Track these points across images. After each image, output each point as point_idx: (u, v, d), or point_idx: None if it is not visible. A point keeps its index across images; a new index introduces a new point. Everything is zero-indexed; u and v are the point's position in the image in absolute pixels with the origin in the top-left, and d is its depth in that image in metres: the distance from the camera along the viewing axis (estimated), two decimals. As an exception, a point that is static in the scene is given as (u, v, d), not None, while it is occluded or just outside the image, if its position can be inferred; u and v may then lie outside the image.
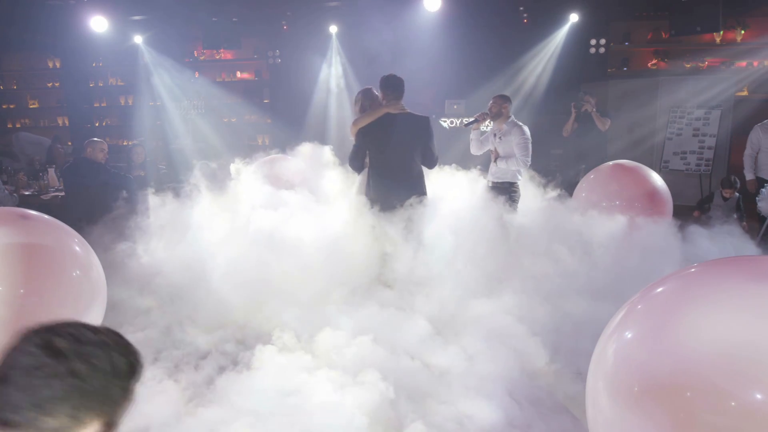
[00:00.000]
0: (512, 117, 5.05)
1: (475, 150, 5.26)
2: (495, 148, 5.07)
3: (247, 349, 3.56)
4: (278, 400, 2.89)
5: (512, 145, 4.94)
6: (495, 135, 5.09)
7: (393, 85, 4.33)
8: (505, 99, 5.08)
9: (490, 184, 5.11)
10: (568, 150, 6.83)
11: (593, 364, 1.89)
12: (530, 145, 4.95)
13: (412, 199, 4.26)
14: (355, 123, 4.40)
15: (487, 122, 5.32)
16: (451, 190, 5.18)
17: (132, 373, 1.10)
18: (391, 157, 4.30)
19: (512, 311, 3.76)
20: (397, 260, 4.17)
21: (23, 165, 7.75)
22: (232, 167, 5.30)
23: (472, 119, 5.09)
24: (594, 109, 6.51)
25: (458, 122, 8.42)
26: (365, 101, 4.44)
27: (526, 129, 4.99)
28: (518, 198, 5.10)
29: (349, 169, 4.59)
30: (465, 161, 5.71)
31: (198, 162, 6.05)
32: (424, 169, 4.53)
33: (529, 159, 4.95)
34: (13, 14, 7.62)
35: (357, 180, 4.53)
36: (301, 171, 5.41)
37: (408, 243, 4.18)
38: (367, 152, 4.39)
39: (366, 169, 4.46)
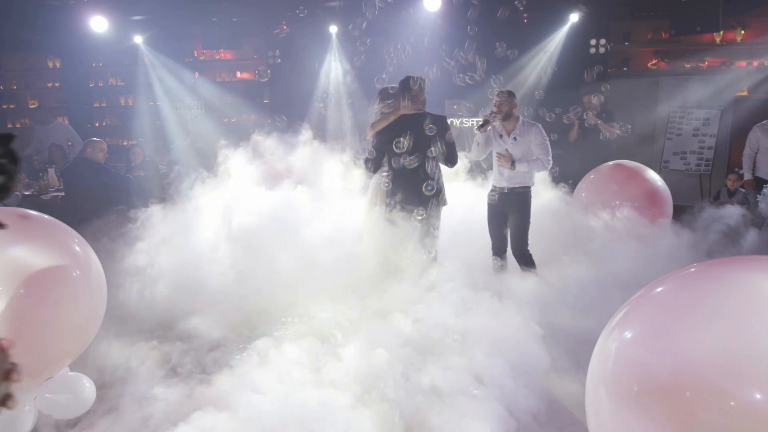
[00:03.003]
0: (520, 115, 4.64)
1: (478, 154, 4.77)
2: (507, 151, 4.55)
3: (250, 351, 3.57)
4: (279, 405, 2.89)
5: (530, 146, 4.51)
6: (502, 136, 4.61)
7: (408, 86, 4.32)
8: (513, 96, 4.62)
9: (506, 190, 4.60)
10: (569, 151, 6.74)
11: (593, 364, 1.88)
12: (548, 144, 4.57)
13: (432, 203, 4.28)
14: (372, 126, 4.41)
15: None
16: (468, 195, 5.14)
17: None
18: (409, 159, 4.26)
19: (514, 311, 3.76)
20: (408, 266, 4.17)
21: (23, 165, 7.73)
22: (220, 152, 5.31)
23: (482, 122, 4.58)
24: (598, 121, 6.23)
25: (458, 122, 8.40)
26: (384, 100, 4.44)
27: (542, 128, 4.62)
28: (530, 203, 4.68)
29: (365, 169, 4.59)
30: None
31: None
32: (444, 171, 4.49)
33: (551, 159, 4.57)
34: (13, 14, 7.61)
35: (370, 189, 4.52)
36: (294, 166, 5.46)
37: (422, 247, 4.18)
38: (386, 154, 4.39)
39: (376, 178, 4.46)
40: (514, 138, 4.55)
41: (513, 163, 4.50)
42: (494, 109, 4.56)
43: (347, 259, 4.22)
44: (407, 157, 4.21)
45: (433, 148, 4.23)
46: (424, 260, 4.20)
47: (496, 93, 4.64)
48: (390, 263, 4.20)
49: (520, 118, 4.61)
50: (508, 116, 4.56)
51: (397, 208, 4.28)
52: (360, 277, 4.17)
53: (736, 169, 6.32)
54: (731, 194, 6.30)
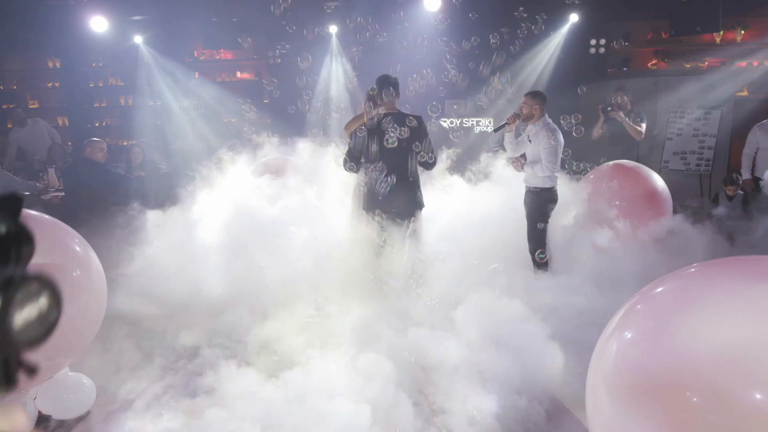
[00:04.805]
0: (545, 117, 4.59)
1: (509, 153, 4.83)
2: (519, 157, 4.71)
3: (243, 352, 3.57)
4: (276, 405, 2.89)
5: (539, 149, 4.50)
6: (528, 137, 4.65)
7: (385, 86, 4.25)
8: (536, 97, 4.60)
9: (525, 189, 4.72)
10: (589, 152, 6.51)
11: (593, 364, 1.88)
12: (559, 151, 4.50)
13: (406, 208, 4.22)
14: (346, 126, 4.37)
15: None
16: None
17: None
18: (384, 159, 4.22)
19: (514, 312, 3.76)
20: (395, 263, 4.16)
21: (23, 164, 7.71)
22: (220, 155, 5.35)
23: (502, 123, 4.65)
24: (625, 118, 6.03)
25: (458, 122, 8.40)
26: (368, 101, 4.42)
27: (558, 133, 4.52)
28: (547, 205, 4.60)
29: (344, 169, 4.56)
30: (463, 162, 5.69)
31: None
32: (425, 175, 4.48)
33: (555, 167, 4.50)
34: (13, 14, 7.62)
35: (353, 187, 4.48)
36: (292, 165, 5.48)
37: (403, 249, 4.16)
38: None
39: (360, 177, 4.41)
40: (529, 140, 4.63)
41: (522, 166, 4.66)
42: (516, 111, 4.63)
43: (333, 263, 4.22)
44: (381, 158, 4.19)
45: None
46: (411, 262, 4.17)
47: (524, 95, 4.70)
48: (375, 266, 4.19)
49: (541, 120, 4.55)
50: (528, 118, 4.59)
51: (375, 211, 4.22)
52: (348, 280, 4.16)
53: (735, 175, 6.27)
54: (730, 199, 6.28)
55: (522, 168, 4.68)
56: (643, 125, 6.11)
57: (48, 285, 0.56)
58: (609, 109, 6.11)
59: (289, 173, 5.25)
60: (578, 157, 5.10)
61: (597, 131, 6.37)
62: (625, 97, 6.28)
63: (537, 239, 4.63)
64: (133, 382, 3.31)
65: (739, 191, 6.28)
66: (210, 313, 4.08)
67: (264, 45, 9.42)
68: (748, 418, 1.41)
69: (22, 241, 0.57)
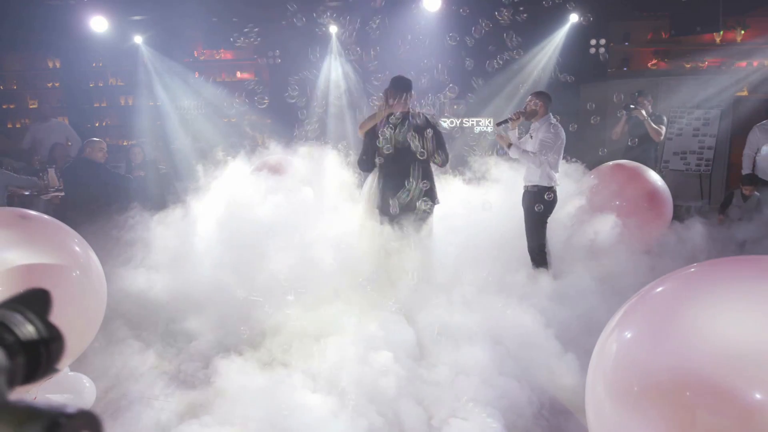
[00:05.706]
0: (549, 116, 4.58)
1: (512, 154, 4.79)
2: (505, 136, 4.70)
3: (241, 354, 3.57)
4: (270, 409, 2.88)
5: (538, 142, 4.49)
6: (530, 134, 4.66)
7: (397, 86, 4.31)
8: (541, 96, 4.63)
9: (523, 188, 4.69)
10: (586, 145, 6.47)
11: (593, 364, 1.88)
12: (556, 145, 4.46)
13: (421, 205, 4.26)
14: (360, 126, 4.42)
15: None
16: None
17: None
18: (398, 158, 4.27)
19: (515, 312, 3.76)
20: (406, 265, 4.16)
21: (23, 164, 7.69)
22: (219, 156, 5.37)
23: (505, 119, 4.66)
24: (647, 117, 5.97)
25: (458, 122, 8.40)
26: (382, 101, 4.45)
27: (561, 130, 4.51)
28: (546, 205, 4.55)
29: (359, 169, 4.59)
30: (462, 161, 5.70)
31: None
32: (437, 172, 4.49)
33: (546, 159, 4.44)
34: (13, 14, 7.62)
35: (366, 186, 4.52)
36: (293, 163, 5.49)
37: (415, 250, 4.17)
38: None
39: (373, 176, 4.45)
40: (530, 136, 4.67)
41: (510, 145, 4.62)
42: (520, 109, 4.68)
43: (343, 262, 4.22)
44: (394, 156, 4.22)
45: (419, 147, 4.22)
46: (420, 260, 4.18)
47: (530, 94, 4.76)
48: (385, 264, 4.20)
49: (544, 117, 4.58)
50: (531, 115, 4.62)
51: (387, 210, 4.26)
52: (356, 279, 4.16)
53: (753, 174, 6.12)
54: (746, 199, 6.17)
55: (508, 141, 4.63)
56: (663, 127, 6.11)
57: (93, 424, 0.55)
58: (632, 107, 6.08)
59: (289, 172, 5.26)
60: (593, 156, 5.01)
61: (618, 131, 6.32)
62: (645, 101, 6.27)
63: (533, 237, 4.63)
64: (132, 381, 3.31)
65: (756, 193, 6.12)
66: (209, 310, 4.07)
67: (264, 45, 9.42)
68: (748, 418, 1.41)
69: (51, 339, 0.57)
